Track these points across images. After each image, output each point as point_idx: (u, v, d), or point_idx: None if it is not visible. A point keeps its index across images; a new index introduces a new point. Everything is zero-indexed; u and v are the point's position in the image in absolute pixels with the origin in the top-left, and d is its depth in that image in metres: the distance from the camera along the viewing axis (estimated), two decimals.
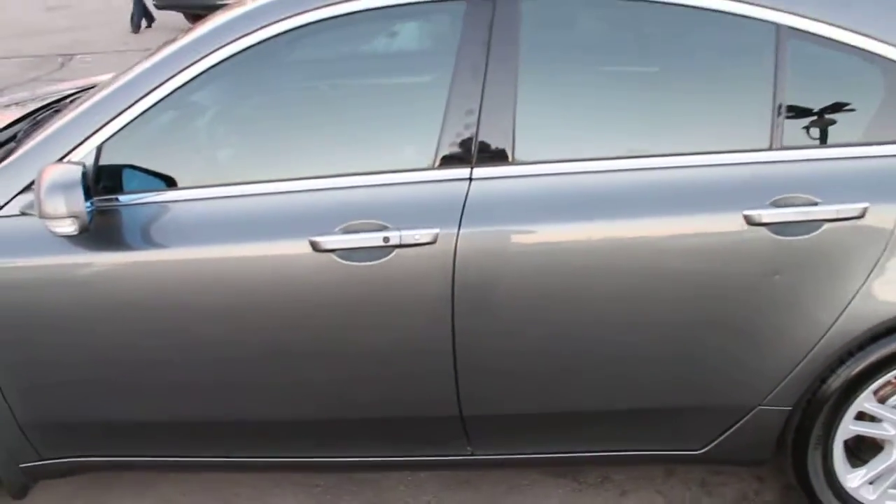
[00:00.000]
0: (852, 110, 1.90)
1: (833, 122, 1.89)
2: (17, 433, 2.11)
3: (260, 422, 2.07)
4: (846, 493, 2.12)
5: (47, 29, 12.75)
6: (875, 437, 2.08)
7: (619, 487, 2.41)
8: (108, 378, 2.02)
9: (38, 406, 2.07)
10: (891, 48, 1.84)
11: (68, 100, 2.70)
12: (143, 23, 11.54)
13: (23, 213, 1.93)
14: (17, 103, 2.93)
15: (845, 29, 1.85)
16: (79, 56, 10.25)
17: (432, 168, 1.88)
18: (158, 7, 12.21)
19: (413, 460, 2.16)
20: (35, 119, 2.52)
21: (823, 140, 1.88)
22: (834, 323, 1.87)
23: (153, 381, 2.02)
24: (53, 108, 2.64)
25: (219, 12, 2.15)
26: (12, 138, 2.34)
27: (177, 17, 12.62)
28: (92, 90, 2.18)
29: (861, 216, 1.81)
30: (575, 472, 2.46)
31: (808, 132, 1.87)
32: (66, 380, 2.03)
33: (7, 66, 9.59)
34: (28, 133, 2.29)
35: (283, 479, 2.46)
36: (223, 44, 1.91)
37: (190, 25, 11.71)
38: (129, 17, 11.86)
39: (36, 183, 1.79)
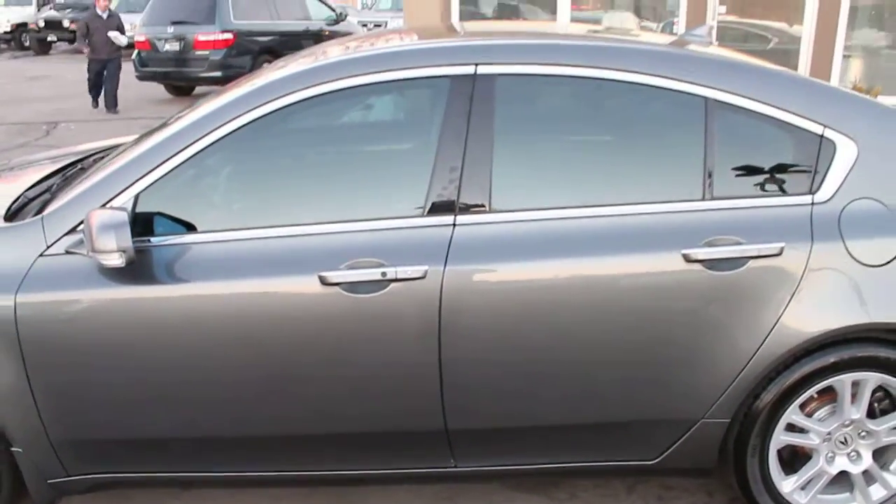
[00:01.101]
0: (770, 167, 2.29)
1: (755, 176, 2.28)
2: (48, 450, 2.35)
3: (269, 438, 2.34)
4: (782, 497, 2.43)
5: (30, 98, 13.07)
6: (803, 445, 2.41)
7: (587, 503, 2.69)
8: (136, 399, 2.29)
9: (69, 425, 2.32)
10: (797, 118, 2.25)
11: (91, 159, 3.03)
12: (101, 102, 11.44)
13: (67, 252, 2.23)
14: (42, 162, 3.24)
15: (762, 102, 2.26)
16: (63, 124, 10.55)
17: (422, 215, 2.22)
18: (140, 79, 12.63)
19: (403, 472, 2.43)
20: (65, 174, 2.84)
21: (747, 192, 2.26)
22: (761, 345, 2.22)
23: (176, 402, 2.29)
24: (79, 165, 2.96)
25: (235, 86, 2.51)
26: (47, 190, 2.66)
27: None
28: (124, 149, 2.51)
29: (779, 254, 2.19)
30: (547, 487, 2.75)
31: (733, 185, 2.26)
32: (98, 400, 2.29)
33: None
34: (62, 186, 2.61)
35: (284, 497, 2.71)
36: (241, 113, 2.26)
37: (169, 95, 12.01)
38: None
39: (86, 224, 2.09)
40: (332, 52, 2.50)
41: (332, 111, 2.46)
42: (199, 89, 13.27)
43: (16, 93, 13.78)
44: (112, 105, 11.33)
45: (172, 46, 11.93)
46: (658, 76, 2.27)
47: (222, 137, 2.25)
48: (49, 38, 21.98)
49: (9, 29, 22.82)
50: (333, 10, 14.27)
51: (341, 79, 2.25)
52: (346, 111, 2.52)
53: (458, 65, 2.27)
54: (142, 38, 12.22)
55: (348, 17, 15.01)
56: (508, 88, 2.28)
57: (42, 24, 21.84)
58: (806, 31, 8.29)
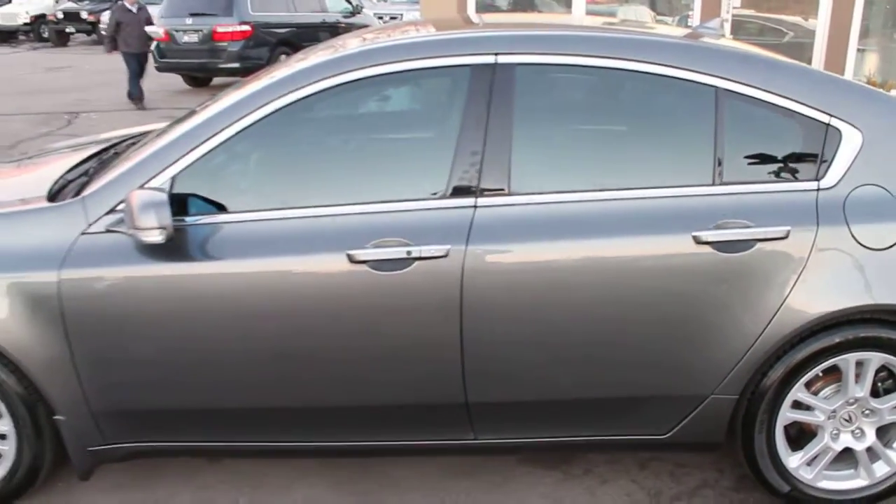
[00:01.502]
0: (777, 154, 2.39)
1: (763, 162, 2.38)
2: (89, 420, 2.49)
3: (298, 409, 2.46)
4: (788, 472, 2.53)
5: (50, 88, 13.27)
6: (809, 422, 2.50)
7: (601, 477, 2.80)
8: (171, 370, 2.41)
9: (109, 396, 2.45)
10: (804, 107, 2.34)
11: (124, 144, 3.16)
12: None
13: (108, 231, 2.36)
14: (77, 147, 3.37)
15: (770, 92, 2.35)
16: (84, 114, 10.72)
17: (445, 197, 2.33)
18: (159, 70, 12.79)
19: (425, 444, 2.54)
20: (101, 158, 2.97)
21: (755, 177, 2.36)
22: (768, 325, 2.32)
23: (209, 373, 2.41)
24: (113, 150, 3.09)
25: (267, 72, 2.62)
26: (85, 173, 2.79)
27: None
28: (158, 134, 2.63)
29: (786, 237, 2.28)
30: (562, 464, 2.86)
31: (742, 171, 2.35)
32: (135, 371, 2.42)
33: (18, 121, 10.06)
34: (99, 169, 2.73)
35: (307, 470, 2.83)
36: (271, 99, 2.38)
37: (187, 86, 12.11)
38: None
39: (127, 203, 2.22)
40: (353, 42, 2.61)
41: (358, 98, 2.58)
42: (216, 80, 13.45)
43: (36, 83, 13.98)
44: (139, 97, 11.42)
45: (191, 38, 12.09)
46: (670, 66, 2.37)
47: (254, 123, 2.37)
48: (67, 30, 22.20)
49: (28, 21, 23.06)
50: (350, 3, 14.39)
51: (367, 67, 2.37)
52: (372, 98, 2.63)
53: (479, 54, 2.38)
54: (160, 30, 12.36)
55: (364, 10, 15.12)
56: (527, 77, 2.39)
57: (61, 15, 22.06)
58: (820, 25, 8.33)
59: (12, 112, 10.83)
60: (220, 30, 11.83)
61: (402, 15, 18.19)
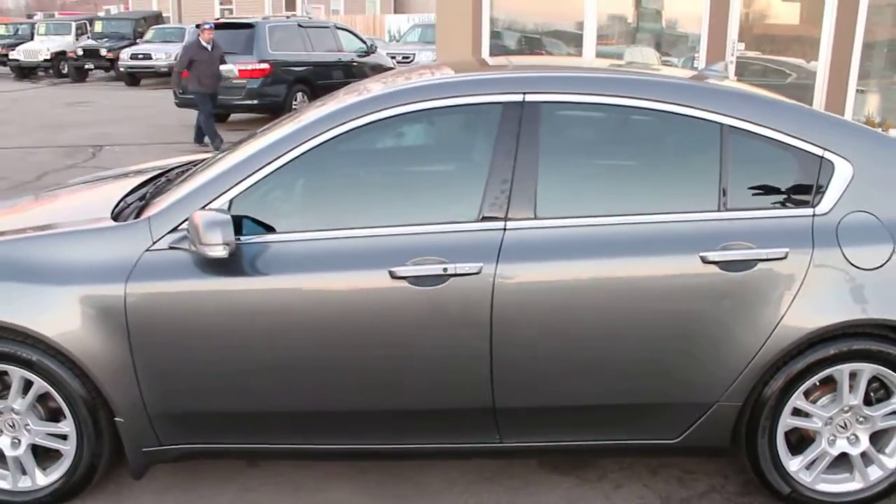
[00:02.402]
0: (776, 184, 2.65)
1: (764, 191, 2.63)
2: (145, 423, 2.72)
3: (338, 413, 2.68)
4: (789, 475, 2.74)
5: (72, 122, 13.67)
6: (808, 428, 2.72)
7: (614, 483, 3.01)
8: (224, 377, 2.64)
9: (164, 400, 2.68)
10: (800, 141, 2.61)
11: (174, 172, 3.43)
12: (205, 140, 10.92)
13: (170, 248, 2.62)
14: (128, 175, 3.65)
15: (769, 128, 2.62)
16: (107, 147, 11.08)
17: (478, 220, 2.59)
18: (179, 106, 13.16)
19: (454, 447, 2.76)
20: (156, 184, 3.24)
21: (757, 204, 2.61)
22: (768, 338, 2.56)
23: (259, 380, 2.64)
24: (165, 176, 3.37)
25: (318, 106, 2.91)
26: (142, 197, 3.05)
27: None
28: (214, 162, 2.91)
29: (784, 258, 2.53)
30: (577, 470, 3.07)
31: (745, 199, 2.61)
32: (191, 378, 2.65)
33: (44, 154, 10.41)
34: (155, 193, 3.00)
35: (340, 475, 3.04)
36: (321, 132, 2.66)
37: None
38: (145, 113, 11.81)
39: (192, 223, 2.48)
40: (399, 80, 2.89)
41: (401, 130, 2.85)
42: (234, 116, 13.84)
43: (58, 118, 14.39)
44: (200, 138, 11.04)
45: None
46: (680, 105, 2.64)
47: (306, 152, 2.64)
48: (87, 66, 22.77)
49: (48, 57, 23.66)
50: (364, 42, 14.81)
51: (414, 102, 2.65)
52: (413, 130, 2.91)
53: (509, 93, 2.66)
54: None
55: (378, 49, 15.55)
56: (552, 114, 2.66)
57: (80, 52, 22.62)
58: (821, 66, 8.65)
59: (37, 145, 11.20)
60: (239, 68, 12.22)
61: (414, 55, 18.66)
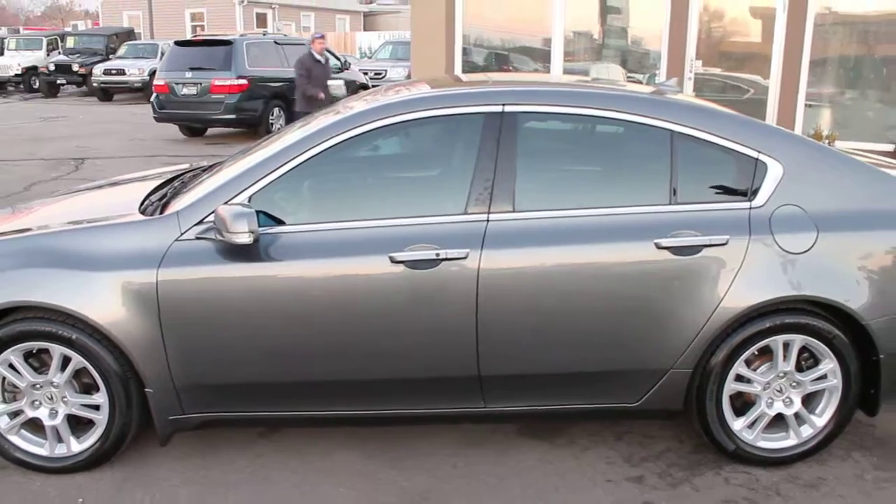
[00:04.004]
0: (718, 181, 3.10)
1: (708, 187, 3.09)
2: (171, 393, 3.07)
3: (343, 381, 3.06)
4: (734, 434, 3.18)
5: (50, 136, 13.88)
6: (749, 392, 3.16)
7: (583, 446, 3.42)
8: (244, 351, 3.01)
9: (189, 373, 3.04)
10: (739, 145, 3.07)
11: (187, 175, 3.81)
12: None
13: (197, 238, 2.99)
14: (134, 181, 4.02)
15: (712, 134, 3.08)
16: (88, 160, 11.32)
17: (464, 213, 3.01)
18: (158, 120, 13.46)
19: (443, 412, 3.15)
20: (173, 185, 3.62)
21: (702, 199, 3.06)
22: (713, 312, 2.99)
23: (275, 354, 3.01)
24: (180, 179, 3.74)
25: (326, 115, 3.32)
26: (162, 197, 3.42)
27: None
28: (233, 162, 3.29)
29: (726, 244, 2.98)
30: (551, 436, 3.48)
31: (692, 194, 3.06)
32: (213, 352, 3.01)
33: (28, 166, 10.64)
34: (176, 192, 3.38)
35: (343, 442, 3.42)
36: (328, 137, 3.06)
37: (183, 136, 12.69)
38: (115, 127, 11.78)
39: (218, 215, 2.86)
40: (392, 95, 3.31)
41: (398, 136, 3.27)
42: (211, 131, 14.16)
43: (35, 132, 14.58)
44: None
45: (190, 90, 12.81)
46: (636, 114, 3.10)
47: (315, 155, 3.04)
48: (59, 81, 22.88)
49: (19, 72, 23.73)
50: (338, 59, 15.21)
51: (407, 113, 3.07)
52: (408, 137, 3.33)
53: (490, 105, 3.09)
54: (161, 82, 13.07)
55: (351, 66, 15.96)
56: (528, 122, 3.10)
57: (52, 67, 22.73)
58: (772, 83, 9.25)
59: (20, 158, 11.41)
60: (217, 83, 12.58)
61: (386, 71, 19.14)
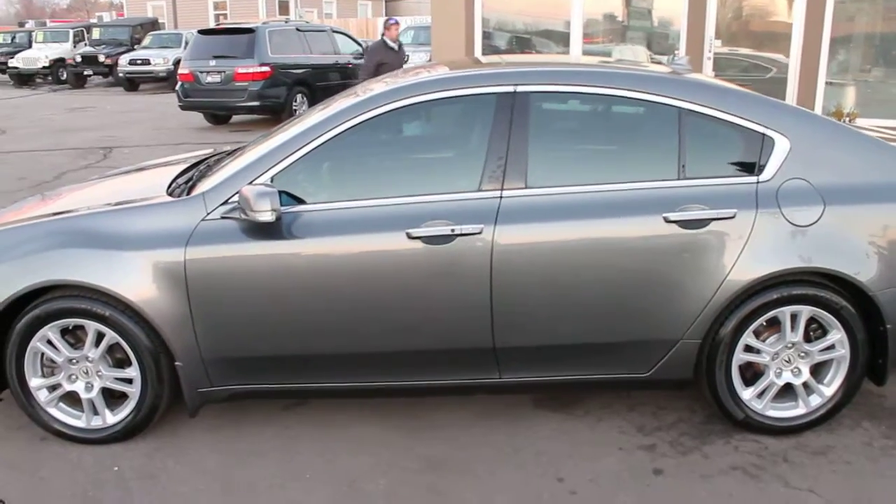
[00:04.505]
0: (726, 156, 3.17)
1: (716, 162, 3.16)
2: (200, 366, 3.22)
3: (364, 354, 3.19)
4: (743, 403, 3.26)
5: (77, 127, 14.15)
6: (757, 362, 3.25)
7: (597, 417, 3.53)
8: (268, 325, 3.14)
9: (217, 346, 3.18)
10: (745, 121, 3.14)
11: (213, 159, 3.95)
12: None
13: (222, 218, 3.13)
14: (157, 166, 4.17)
15: (719, 111, 3.15)
16: (116, 148, 11.56)
17: (478, 190, 3.11)
18: (183, 109, 13.66)
19: (460, 383, 3.27)
20: (199, 168, 3.76)
21: (710, 173, 3.14)
22: (721, 284, 3.08)
23: (298, 327, 3.15)
24: (205, 163, 3.88)
25: (347, 95, 3.44)
26: (188, 180, 3.56)
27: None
28: (255, 145, 3.42)
29: (733, 217, 3.06)
30: (566, 407, 3.59)
31: (700, 169, 3.13)
32: (240, 326, 3.15)
33: (57, 156, 10.89)
34: (202, 175, 3.51)
35: (363, 415, 3.55)
36: (348, 118, 3.17)
37: (208, 124, 12.92)
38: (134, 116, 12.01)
39: (243, 195, 2.99)
40: (409, 76, 3.42)
41: (413, 117, 3.37)
42: (235, 118, 14.36)
43: (63, 123, 14.86)
44: None
45: (214, 78, 12.99)
46: (644, 92, 3.17)
47: (335, 136, 3.16)
48: (85, 73, 23.22)
49: (47, 64, 24.11)
50: (360, 45, 15.32)
51: (424, 94, 3.19)
52: (424, 117, 3.44)
53: (503, 85, 3.19)
54: (185, 71, 13.27)
55: None
56: (539, 101, 3.19)
57: (79, 59, 23.07)
58: (792, 61, 9.21)
59: (50, 148, 11.67)
60: (241, 71, 12.74)
61: (408, 56, 19.15)
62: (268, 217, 2.96)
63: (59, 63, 24.09)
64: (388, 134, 3.40)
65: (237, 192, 3.10)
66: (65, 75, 23.93)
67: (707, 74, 8.37)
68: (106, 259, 3.11)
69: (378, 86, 3.40)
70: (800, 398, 3.28)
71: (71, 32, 25.35)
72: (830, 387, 3.27)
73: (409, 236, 3.04)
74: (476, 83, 3.22)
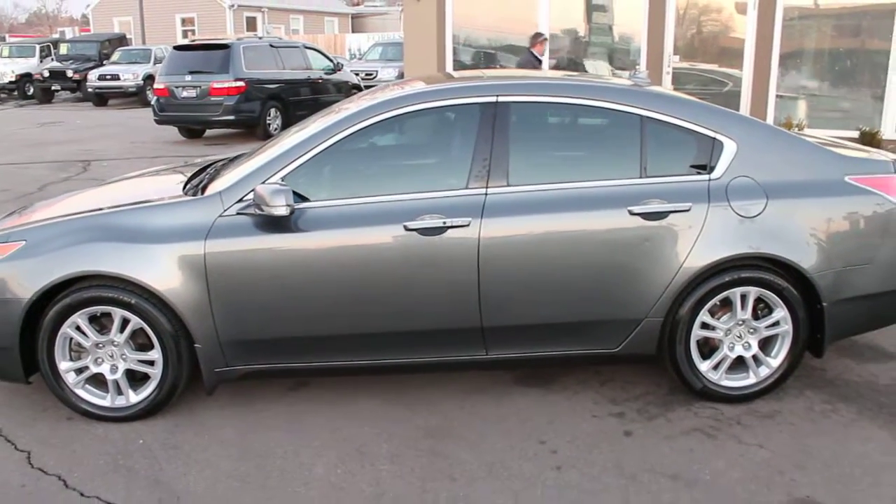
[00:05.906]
0: (682, 157, 3.63)
1: (672, 163, 3.62)
2: (217, 348, 3.57)
3: (365, 335, 3.56)
4: (701, 374, 3.70)
5: (50, 141, 14.28)
6: (713, 338, 3.69)
7: (573, 391, 3.94)
8: (279, 310, 3.51)
9: (233, 328, 3.54)
10: (698, 127, 3.60)
11: (220, 163, 4.32)
12: None
13: (238, 214, 3.49)
14: (165, 171, 4.52)
15: (675, 118, 3.61)
16: (94, 161, 11.76)
17: (466, 188, 3.52)
18: (159, 123, 13.89)
19: (449, 360, 3.66)
20: (208, 172, 4.12)
21: (668, 172, 3.59)
22: (679, 269, 3.52)
23: (306, 312, 3.52)
24: (214, 166, 4.25)
25: (351, 103, 3.84)
26: (201, 181, 3.92)
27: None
28: (267, 148, 3.80)
29: (689, 210, 3.51)
30: (545, 384, 4.01)
31: (659, 168, 3.59)
32: (254, 311, 3.51)
33: (37, 168, 11.08)
34: (213, 177, 3.88)
35: (366, 391, 3.92)
36: (348, 126, 3.57)
37: (182, 138, 13.19)
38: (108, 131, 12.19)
39: (258, 193, 3.36)
40: (398, 89, 3.83)
41: (408, 124, 3.79)
42: (208, 132, 14.62)
43: (35, 137, 14.96)
44: None
45: (190, 93, 13.26)
46: (611, 102, 3.63)
47: (339, 140, 3.56)
48: (53, 88, 23.24)
49: (13, 79, 24.06)
50: (331, 60, 15.70)
51: (416, 104, 3.60)
52: (416, 125, 3.85)
53: (486, 96, 3.62)
54: (161, 86, 13.52)
55: (343, 67, 16.45)
56: (519, 110, 3.62)
57: (47, 74, 23.08)
58: (745, 76, 9.82)
59: (27, 161, 11.84)
60: (216, 86, 13.03)
61: (376, 71, 19.63)
62: (283, 211, 3.34)
63: (25, 78, 24.07)
64: (386, 139, 3.81)
65: (252, 191, 3.47)
66: (32, 90, 23.91)
67: (662, 87, 8.89)
68: (132, 251, 3.46)
69: (378, 95, 3.81)
70: (750, 369, 3.73)
71: (37, 47, 25.37)
72: (777, 359, 3.73)
73: (406, 228, 3.44)
74: (463, 94, 3.65)
